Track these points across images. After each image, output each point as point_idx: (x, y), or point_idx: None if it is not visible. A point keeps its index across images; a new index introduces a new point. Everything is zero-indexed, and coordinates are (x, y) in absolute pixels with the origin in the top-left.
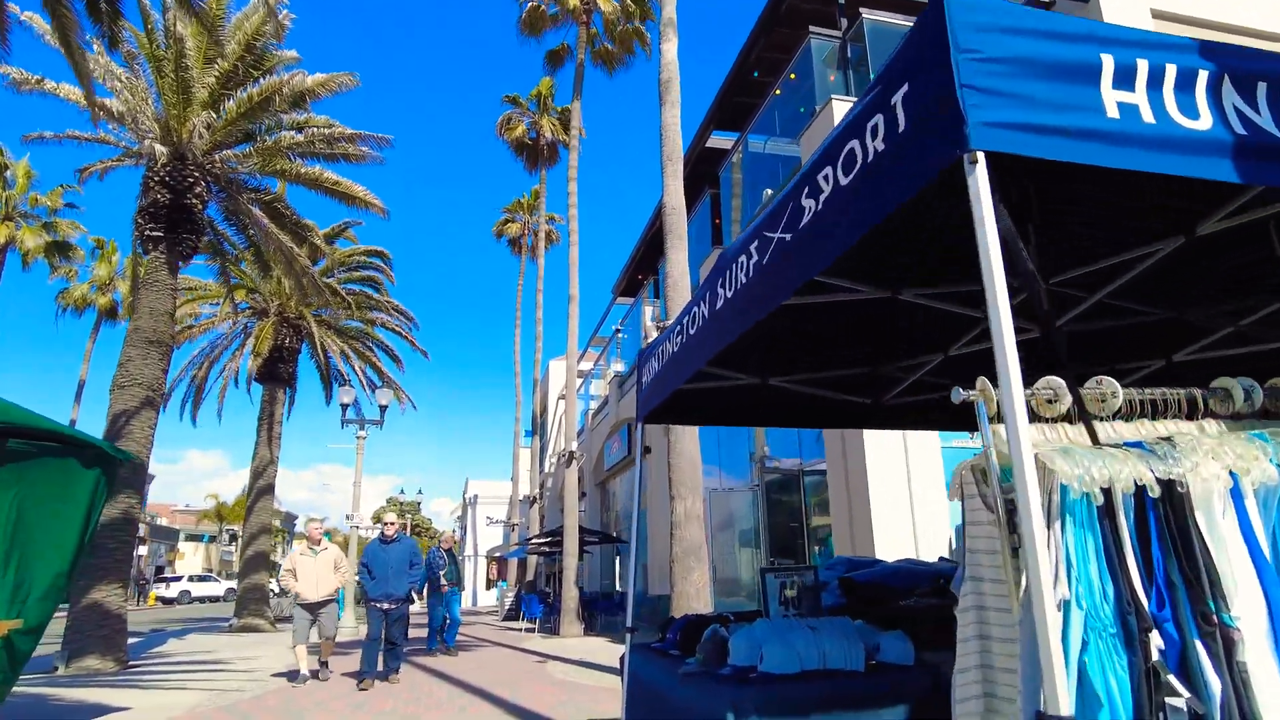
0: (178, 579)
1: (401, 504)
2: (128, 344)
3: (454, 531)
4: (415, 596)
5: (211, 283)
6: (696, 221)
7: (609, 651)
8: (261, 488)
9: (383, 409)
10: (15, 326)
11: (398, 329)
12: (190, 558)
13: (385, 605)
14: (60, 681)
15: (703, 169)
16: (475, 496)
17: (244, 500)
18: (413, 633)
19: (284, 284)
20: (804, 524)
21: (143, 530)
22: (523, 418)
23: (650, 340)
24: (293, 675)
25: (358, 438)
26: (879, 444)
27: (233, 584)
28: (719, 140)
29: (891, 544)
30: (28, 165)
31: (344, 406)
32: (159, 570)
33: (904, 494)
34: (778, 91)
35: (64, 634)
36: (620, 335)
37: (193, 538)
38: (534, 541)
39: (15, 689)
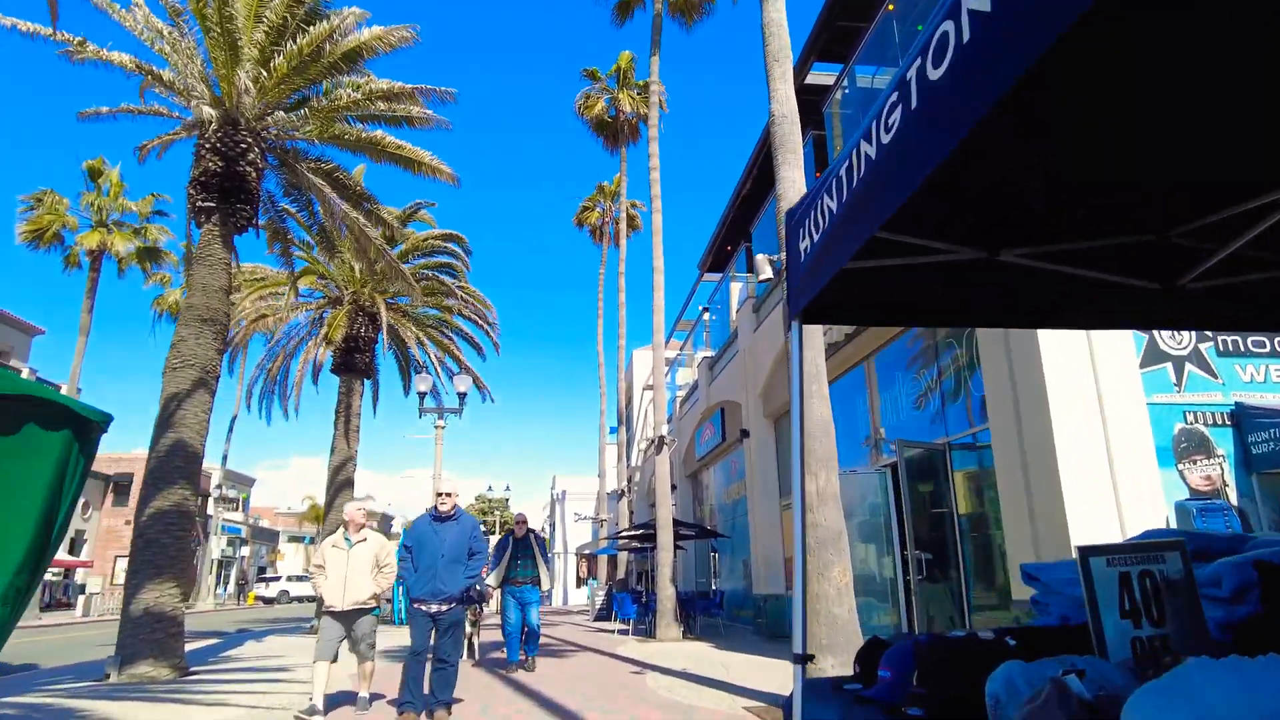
0: (276, 579)
1: (489, 500)
2: (180, 323)
3: (546, 517)
4: (483, 594)
5: (284, 273)
6: None
7: (713, 660)
8: (340, 483)
9: (461, 397)
10: (119, 335)
11: (476, 318)
12: (291, 558)
13: (433, 607)
14: (103, 691)
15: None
16: (563, 493)
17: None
18: (493, 635)
19: (356, 270)
20: (952, 510)
21: (244, 532)
22: (608, 410)
23: (798, 201)
24: (343, 698)
25: (436, 427)
26: (1065, 402)
27: None
28: (820, 75)
29: (1090, 528)
30: (118, 175)
31: (421, 395)
32: (261, 571)
33: (1101, 463)
34: (890, 7)
35: (117, 638)
36: (708, 316)
37: (294, 539)
38: (624, 536)
39: (51, 700)
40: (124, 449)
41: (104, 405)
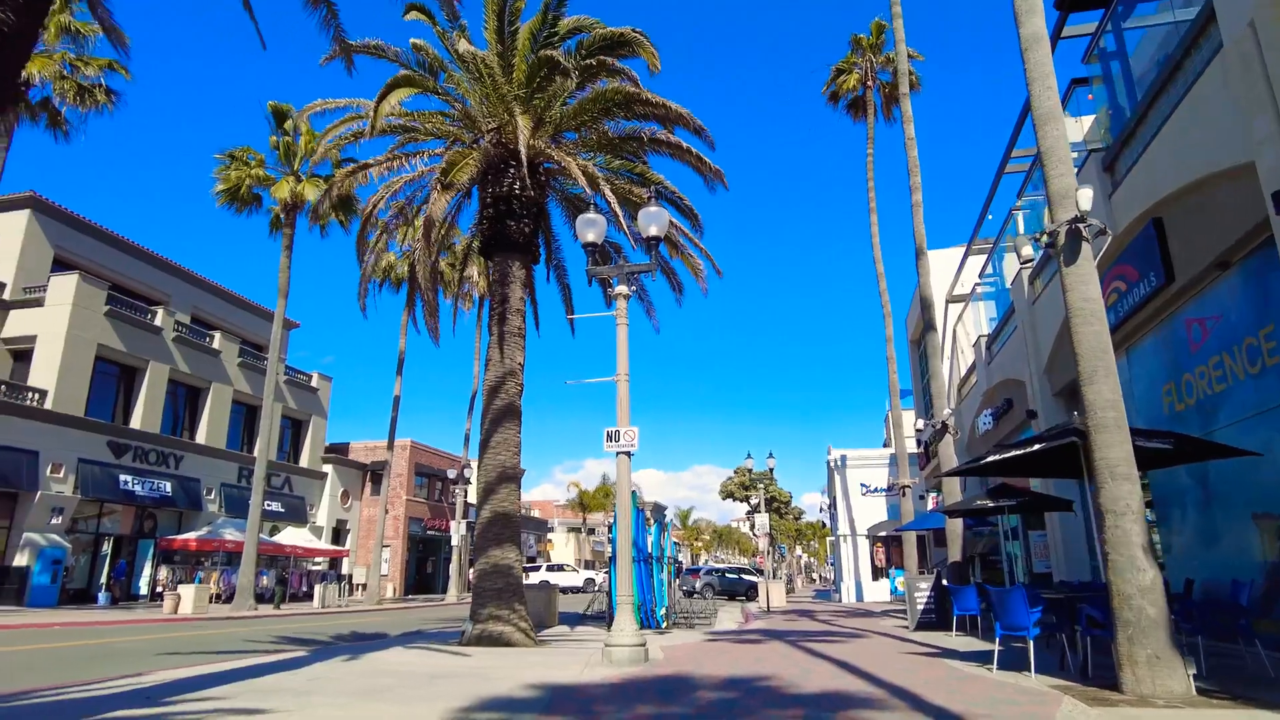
0: (536, 568)
1: (750, 473)
2: None
3: (828, 503)
4: None
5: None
6: None
7: None
8: (499, 411)
9: (652, 244)
10: (342, 304)
11: (680, 145)
12: (561, 549)
13: None
14: None
15: None
16: (842, 459)
17: (604, 488)
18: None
19: (499, 91)
20: None
21: None
22: (895, 337)
23: None
24: None
25: (616, 296)
26: None
27: (592, 574)
28: None
29: None
30: (309, 123)
31: (589, 249)
32: (530, 560)
33: None
34: None
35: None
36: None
37: (573, 529)
38: (993, 460)
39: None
40: (377, 438)
41: (357, 395)
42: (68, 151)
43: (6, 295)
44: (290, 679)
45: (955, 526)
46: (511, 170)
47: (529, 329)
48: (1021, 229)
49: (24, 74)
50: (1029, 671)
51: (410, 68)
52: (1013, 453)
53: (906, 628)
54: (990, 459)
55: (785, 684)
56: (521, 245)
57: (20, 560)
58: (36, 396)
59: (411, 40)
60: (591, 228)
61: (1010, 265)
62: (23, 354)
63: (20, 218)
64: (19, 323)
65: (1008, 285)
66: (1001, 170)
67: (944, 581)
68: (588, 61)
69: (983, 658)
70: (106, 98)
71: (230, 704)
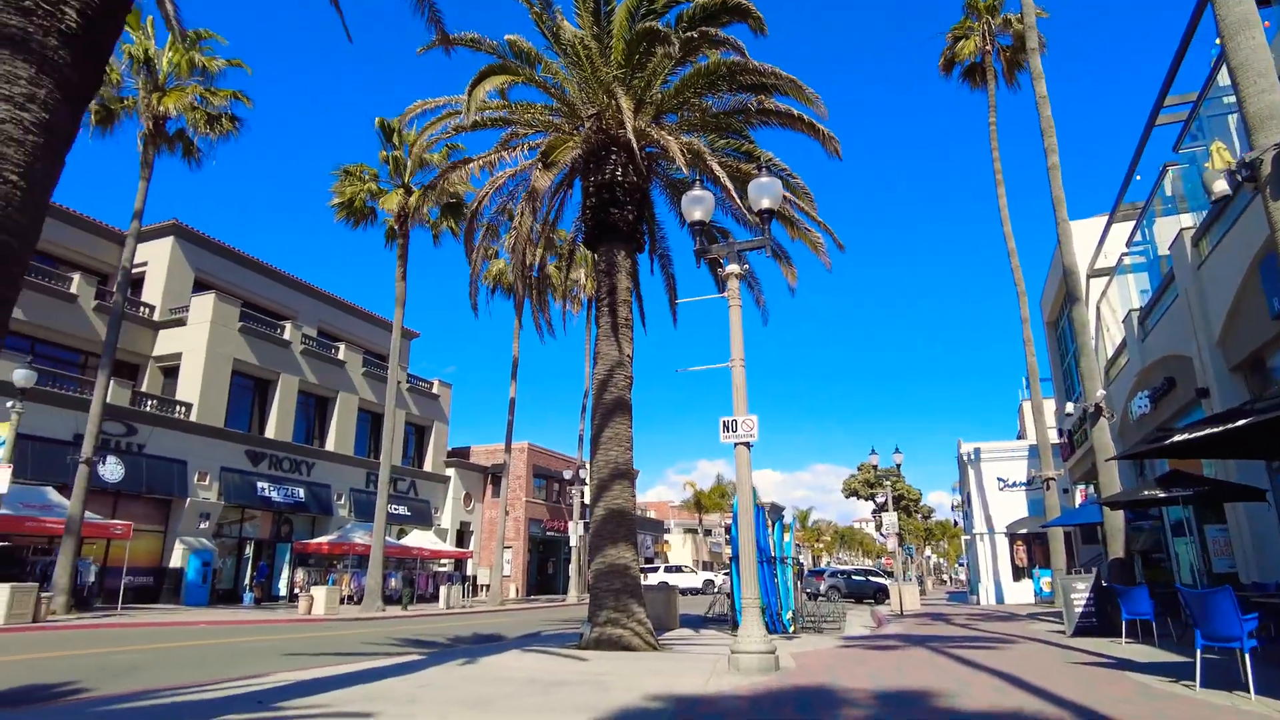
0: (654, 569)
1: (874, 469)
2: None
3: (960, 499)
4: None
5: (528, 103)
6: None
7: None
8: (609, 405)
9: (765, 217)
10: (459, 314)
11: (791, 113)
12: (678, 550)
13: None
14: None
15: None
16: (976, 452)
17: (720, 488)
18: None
19: (597, 75)
20: None
21: None
22: (1030, 319)
23: None
24: None
25: (727, 276)
26: None
27: (710, 575)
28: None
29: None
30: (416, 133)
31: (694, 229)
32: (648, 561)
33: None
34: None
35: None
36: None
37: (689, 530)
38: (1171, 449)
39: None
40: (496, 441)
41: (477, 400)
42: (197, 176)
43: (156, 316)
44: (401, 684)
45: (1116, 520)
46: (613, 156)
47: (635, 322)
48: (1170, 189)
49: (162, 108)
50: (1246, 691)
51: (506, 58)
52: (1208, 430)
53: (1062, 633)
54: (1180, 438)
55: (943, 700)
56: (626, 233)
57: (175, 562)
58: (183, 409)
59: (506, 37)
60: (699, 205)
61: (1164, 229)
62: (171, 370)
63: (165, 244)
64: (167, 342)
65: (1163, 251)
66: (1151, 123)
67: (1104, 581)
68: (689, 35)
69: (1172, 671)
70: (231, 124)
71: (336, 709)
